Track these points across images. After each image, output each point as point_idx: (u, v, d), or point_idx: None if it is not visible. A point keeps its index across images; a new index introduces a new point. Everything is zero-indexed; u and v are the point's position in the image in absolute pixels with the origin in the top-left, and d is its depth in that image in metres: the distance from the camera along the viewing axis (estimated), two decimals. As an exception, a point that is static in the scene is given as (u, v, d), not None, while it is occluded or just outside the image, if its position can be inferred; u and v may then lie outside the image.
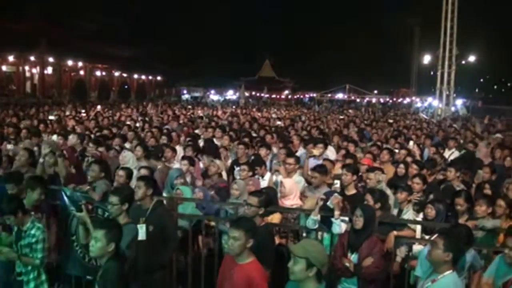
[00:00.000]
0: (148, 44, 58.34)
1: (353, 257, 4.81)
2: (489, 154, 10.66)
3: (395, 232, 5.40)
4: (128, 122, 15.57)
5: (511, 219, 5.86)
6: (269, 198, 5.45)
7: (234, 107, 36.63)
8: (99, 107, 25.26)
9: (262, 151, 9.15)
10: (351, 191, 6.49)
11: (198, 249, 6.27)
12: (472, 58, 35.40)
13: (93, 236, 3.91)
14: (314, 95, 69.36)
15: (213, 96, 69.08)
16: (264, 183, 7.49)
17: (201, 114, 23.57)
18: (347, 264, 4.74)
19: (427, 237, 5.39)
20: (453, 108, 35.74)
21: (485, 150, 10.89)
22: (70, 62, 54.47)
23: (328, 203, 5.49)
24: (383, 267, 4.88)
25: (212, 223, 6.10)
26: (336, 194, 5.69)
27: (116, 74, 60.61)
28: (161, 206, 5.52)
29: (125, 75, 61.35)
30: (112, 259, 3.86)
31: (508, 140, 14.62)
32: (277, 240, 5.69)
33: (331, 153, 9.68)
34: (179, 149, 9.61)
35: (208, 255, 5.96)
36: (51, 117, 17.21)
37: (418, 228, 5.74)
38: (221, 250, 5.82)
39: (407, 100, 64.48)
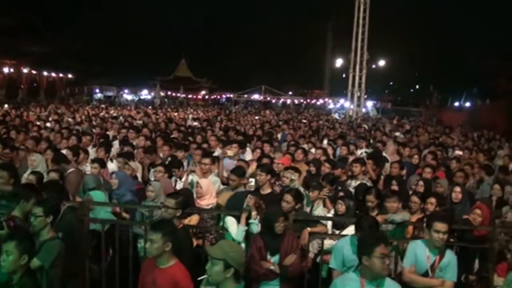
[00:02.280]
0: (60, 40, 55.37)
1: (274, 259, 4.80)
2: (395, 152, 11.37)
3: (309, 229, 5.56)
4: (38, 123, 14.79)
5: (422, 213, 6.32)
6: (187, 199, 5.42)
7: (150, 107, 35.88)
8: (6, 106, 23.82)
9: (179, 153, 9.07)
10: (266, 190, 6.55)
11: (114, 255, 6.08)
12: (382, 63, 37.30)
13: (3, 250, 3.60)
14: (231, 95, 69.61)
15: (127, 95, 67.24)
16: (181, 185, 7.45)
17: (114, 114, 22.91)
18: (272, 267, 4.72)
19: (337, 231, 5.67)
20: (364, 110, 37.42)
21: (392, 149, 11.57)
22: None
23: (244, 206, 5.56)
24: (302, 262, 5.03)
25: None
26: (250, 195, 5.76)
27: (25, 71, 57.16)
28: (71, 212, 5.28)
29: (34, 72, 58.03)
30: (26, 275, 3.60)
31: (416, 139, 15.62)
32: (194, 242, 5.68)
33: (248, 153, 9.81)
34: (91, 151, 9.30)
35: (123, 260, 5.71)
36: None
37: (329, 223, 5.98)
38: (137, 254, 5.76)
39: (321, 101, 66.48)
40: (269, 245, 4.81)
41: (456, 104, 49.32)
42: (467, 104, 46.20)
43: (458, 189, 7.09)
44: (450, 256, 4.65)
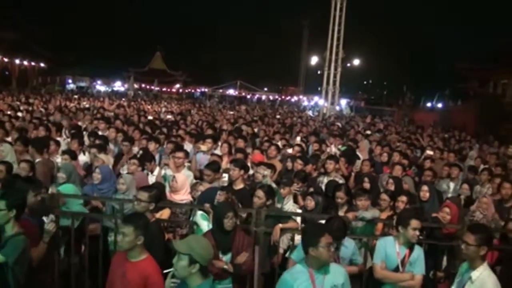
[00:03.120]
0: (32, 28, 53.96)
1: (226, 258, 4.75)
2: (368, 150, 11.53)
3: (280, 225, 5.58)
4: (8, 112, 14.44)
5: (391, 210, 6.44)
6: (160, 193, 5.38)
7: (123, 99, 35.44)
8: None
9: (151, 145, 8.98)
10: (239, 186, 6.56)
11: (85, 248, 5.96)
12: (356, 62, 37.66)
13: None
14: (206, 90, 69.28)
15: (100, 86, 66.25)
16: (153, 178, 7.38)
17: (87, 106, 22.55)
18: (226, 267, 4.66)
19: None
20: (338, 108, 37.72)
21: (364, 147, 11.72)
22: None
23: (215, 202, 5.55)
24: (266, 260, 5.07)
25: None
26: (219, 192, 5.75)
27: (-3, 58, 55.65)
28: (41, 204, 5.17)
29: (6, 60, 56.56)
30: None
31: (389, 138, 15.84)
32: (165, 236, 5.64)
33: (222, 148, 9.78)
34: (62, 142, 9.15)
35: (94, 254, 5.62)
36: None
37: (298, 219, 6.03)
38: (107, 248, 5.69)
39: (295, 98, 66.75)
40: (220, 244, 4.72)
41: (429, 104, 50.18)
42: (439, 105, 47.06)
43: (425, 188, 7.25)
44: (418, 251, 4.81)
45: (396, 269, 4.76)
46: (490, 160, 11.38)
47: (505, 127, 24.73)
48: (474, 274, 4.03)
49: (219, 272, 4.62)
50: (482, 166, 10.34)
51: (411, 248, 4.79)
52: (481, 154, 12.74)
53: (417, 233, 4.75)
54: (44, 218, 4.83)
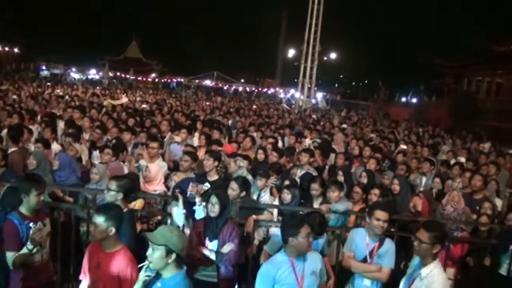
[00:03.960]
0: (6, 13, 52.60)
1: (213, 245, 4.78)
2: (343, 144, 11.64)
3: (254, 216, 5.60)
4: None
5: (364, 203, 6.54)
6: (132, 183, 5.32)
7: (98, 87, 34.89)
8: None
9: (127, 136, 8.86)
10: (213, 177, 6.53)
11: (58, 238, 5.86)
12: (333, 55, 37.84)
13: None
14: (182, 80, 68.77)
15: (74, 74, 65.15)
16: (126, 169, 7.30)
17: (60, 93, 22.14)
18: (208, 253, 4.70)
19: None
20: (313, 101, 37.90)
21: (340, 140, 11.83)
22: None
23: (188, 194, 5.54)
24: (241, 250, 5.05)
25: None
26: (192, 183, 5.73)
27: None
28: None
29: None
30: None
31: (361, 132, 16.02)
32: (138, 227, 5.61)
33: (196, 139, 9.73)
34: (35, 130, 8.98)
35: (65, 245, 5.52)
36: None
37: (275, 211, 6.05)
38: (79, 238, 5.63)
39: (272, 90, 66.78)
40: (209, 231, 4.80)
41: (403, 99, 50.84)
42: (414, 100, 47.70)
43: (396, 181, 7.36)
44: (388, 244, 4.83)
45: (364, 260, 4.79)
46: (460, 155, 11.62)
47: (478, 123, 25.30)
48: (424, 271, 4.02)
49: (201, 258, 4.68)
50: (453, 161, 10.55)
51: (381, 240, 4.82)
52: (453, 149, 12.98)
53: (381, 224, 4.72)
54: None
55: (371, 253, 4.79)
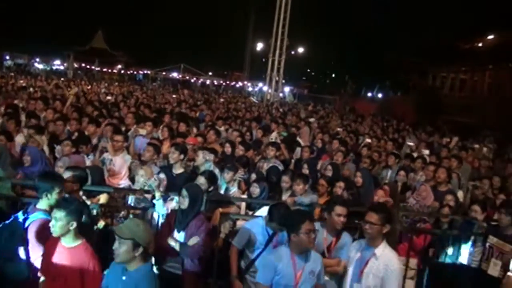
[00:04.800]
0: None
1: (180, 236, 4.77)
2: (309, 137, 11.72)
3: (220, 209, 5.57)
4: None
5: (329, 195, 6.56)
6: (86, 175, 5.25)
7: (62, 79, 34.05)
8: None
9: (91, 128, 8.66)
10: (178, 170, 6.51)
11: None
12: (301, 50, 38.04)
13: None
14: (148, 72, 67.93)
15: (38, 64, 63.54)
16: (88, 161, 7.15)
17: (24, 84, 21.51)
18: (173, 244, 4.68)
19: (250, 212, 5.75)
20: (281, 94, 38.05)
21: (306, 134, 11.92)
22: None
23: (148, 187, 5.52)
24: (208, 245, 5.01)
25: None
26: (154, 177, 5.68)
27: None
28: None
29: None
30: None
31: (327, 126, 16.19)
32: (102, 221, 5.50)
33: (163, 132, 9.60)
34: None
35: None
36: None
37: (243, 204, 6.04)
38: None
39: (240, 84, 66.65)
40: (178, 223, 4.80)
41: (369, 94, 51.53)
42: (380, 95, 48.42)
43: (359, 173, 7.49)
44: (346, 238, 4.90)
45: (322, 255, 4.73)
46: (420, 148, 11.87)
47: (442, 118, 25.90)
48: (378, 251, 4.20)
49: (167, 247, 4.68)
50: (416, 154, 10.76)
51: (339, 235, 4.87)
52: (417, 143, 13.24)
53: (342, 219, 4.77)
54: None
55: (328, 248, 4.86)
